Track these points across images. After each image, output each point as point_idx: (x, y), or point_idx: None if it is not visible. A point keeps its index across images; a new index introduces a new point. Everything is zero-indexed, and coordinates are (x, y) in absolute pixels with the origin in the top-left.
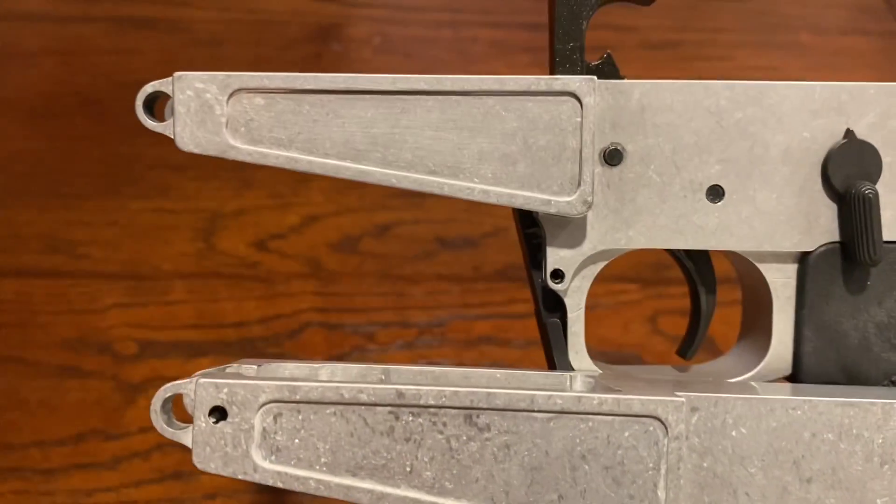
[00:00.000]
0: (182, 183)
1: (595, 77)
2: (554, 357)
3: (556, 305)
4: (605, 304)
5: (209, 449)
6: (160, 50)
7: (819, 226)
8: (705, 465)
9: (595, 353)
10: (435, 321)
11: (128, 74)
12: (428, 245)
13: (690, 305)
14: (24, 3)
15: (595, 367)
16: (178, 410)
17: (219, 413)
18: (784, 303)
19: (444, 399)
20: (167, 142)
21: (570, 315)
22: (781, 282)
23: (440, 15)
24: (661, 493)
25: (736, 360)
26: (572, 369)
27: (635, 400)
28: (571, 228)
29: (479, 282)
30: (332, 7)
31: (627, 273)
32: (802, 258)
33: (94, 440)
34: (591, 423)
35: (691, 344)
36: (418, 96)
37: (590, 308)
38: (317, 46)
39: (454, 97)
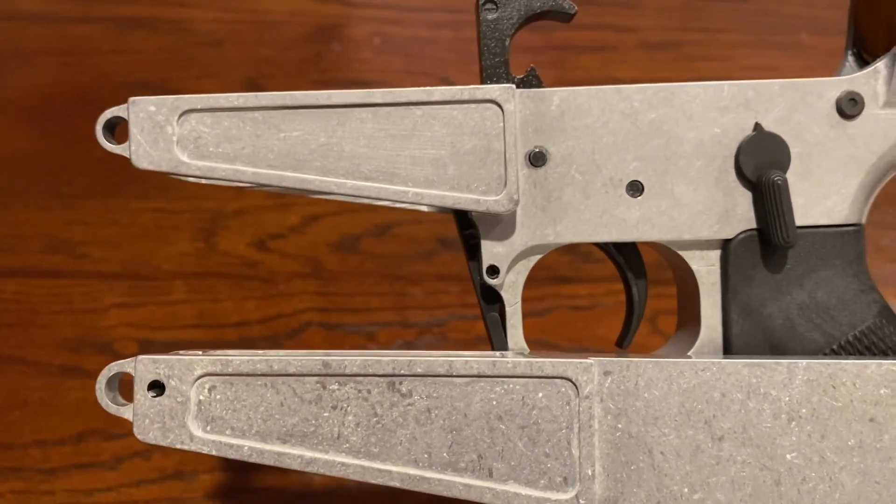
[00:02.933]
0: (182, 183)
1: (514, 86)
2: (495, 349)
3: (497, 300)
4: (606, 304)
5: (148, 421)
6: (160, 50)
7: (736, 214)
8: (620, 426)
9: (595, 353)
10: (435, 321)
11: (128, 74)
12: (428, 245)
13: (625, 297)
14: (24, 3)
15: None
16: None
17: (158, 388)
18: (710, 289)
19: (367, 367)
20: None
21: (507, 309)
22: (706, 269)
23: (440, 15)
24: (574, 451)
25: (673, 347)
26: None
27: (546, 362)
28: (503, 226)
29: None
30: (332, 7)
31: None
32: (724, 245)
33: (95, 440)
34: (506, 386)
35: (627, 333)
36: (352, 109)
37: (590, 308)
38: (317, 46)
39: (385, 108)
